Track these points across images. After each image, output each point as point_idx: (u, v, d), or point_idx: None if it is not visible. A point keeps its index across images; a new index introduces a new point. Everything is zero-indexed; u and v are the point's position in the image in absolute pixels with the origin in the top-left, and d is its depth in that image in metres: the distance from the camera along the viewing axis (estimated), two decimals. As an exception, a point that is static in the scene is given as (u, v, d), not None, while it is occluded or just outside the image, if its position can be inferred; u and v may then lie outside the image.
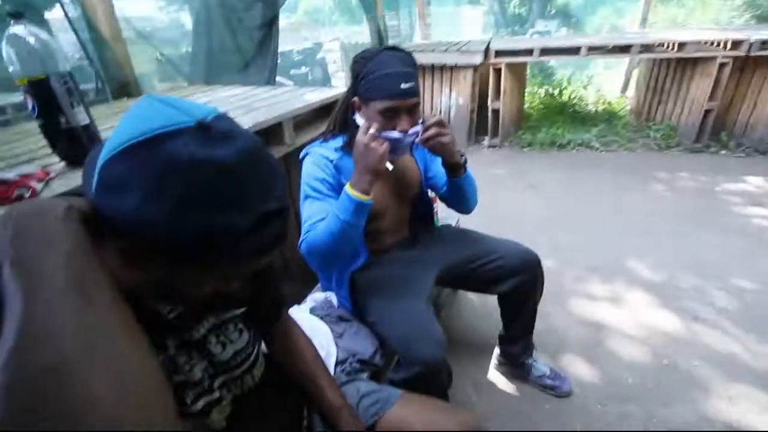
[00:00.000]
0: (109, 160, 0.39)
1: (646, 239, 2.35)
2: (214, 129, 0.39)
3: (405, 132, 1.03)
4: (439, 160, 1.21)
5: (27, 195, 0.85)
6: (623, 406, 1.38)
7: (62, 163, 1.03)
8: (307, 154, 1.16)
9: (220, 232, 0.39)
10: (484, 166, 3.57)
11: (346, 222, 0.98)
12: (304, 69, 9.62)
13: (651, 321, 1.76)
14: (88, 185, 0.42)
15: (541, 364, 1.48)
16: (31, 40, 0.89)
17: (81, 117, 0.99)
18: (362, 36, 4.64)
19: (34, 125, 1.04)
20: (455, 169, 1.17)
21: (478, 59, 3.74)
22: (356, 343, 1.15)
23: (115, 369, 0.31)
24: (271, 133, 1.46)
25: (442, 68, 3.94)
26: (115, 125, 1.45)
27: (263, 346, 0.79)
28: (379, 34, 4.33)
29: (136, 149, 0.37)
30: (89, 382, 0.29)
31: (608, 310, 1.85)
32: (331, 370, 1.07)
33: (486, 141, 4.14)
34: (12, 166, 1.04)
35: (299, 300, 1.35)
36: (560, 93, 4.86)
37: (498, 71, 3.77)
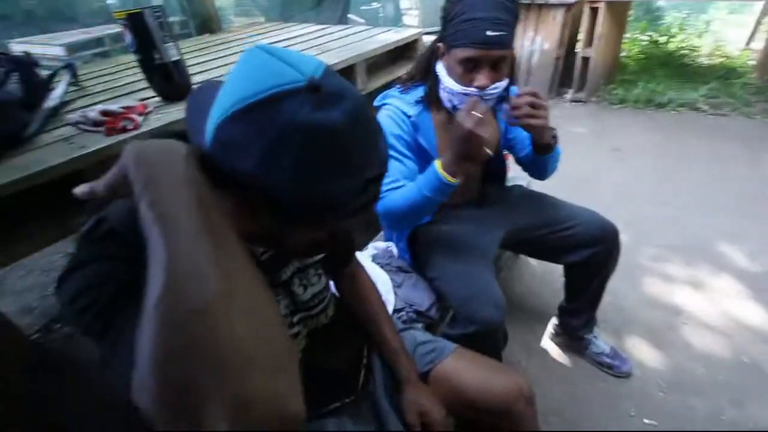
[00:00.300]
0: (224, 120, 0.39)
1: (746, 222, 2.06)
2: (324, 89, 0.38)
3: (482, 88, 0.92)
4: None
5: (130, 127, 0.92)
6: (688, 398, 1.31)
7: (157, 98, 1.09)
8: (384, 104, 1.10)
9: (333, 198, 0.41)
10: (564, 122, 3.26)
11: (429, 198, 0.94)
12: (375, 5, 9.14)
13: (736, 313, 1.59)
14: (198, 131, 0.43)
15: (601, 341, 1.43)
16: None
17: (172, 52, 1.02)
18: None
19: (129, 57, 1.10)
20: (544, 148, 1.06)
21: (573, -4, 3.27)
22: (414, 295, 1.18)
23: (249, 311, 0.33)
24: (342, 75, 1.42)
25: (529, 6, 3.51)
26: (201, 62, 1.49)
27: (333, 288, 0.84)
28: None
29: (251, 110, 0.37)
30: (232, 324, 0.30)
31: (687, 294, 1.69)
32: (387, 316, 1.11)
33: (569, 94, 3.75)
34: (114, 98, 1.13)
35: (360, 247, 1.39)
36: (667, 41, 4.18)
37: (594, 11, 3.29)
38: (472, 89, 0.93)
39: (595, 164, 2.71)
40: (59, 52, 3.81)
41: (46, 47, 3.94)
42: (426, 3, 8.08)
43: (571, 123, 3.31)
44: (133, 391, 0.30)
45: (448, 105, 1.02)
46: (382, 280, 1.18)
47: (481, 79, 0.92)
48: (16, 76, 0.90)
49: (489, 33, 0.87)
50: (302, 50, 1.55)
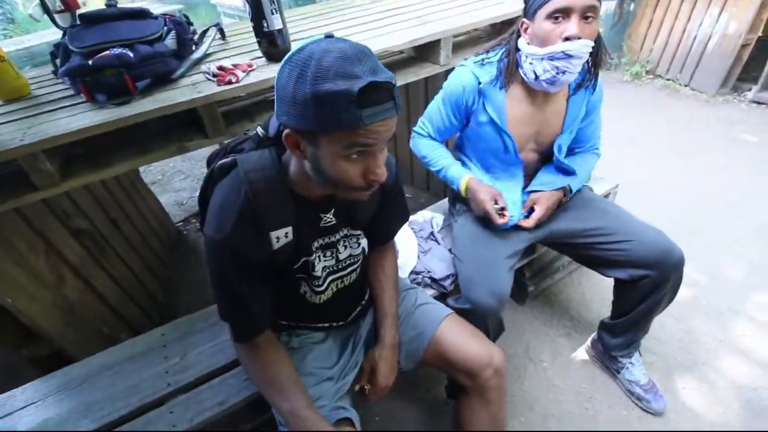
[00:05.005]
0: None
1: None
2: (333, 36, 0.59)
3: (573, 38, 0.90)
4: (590, 123, 1.18)
5: (234, 81, 1.19)
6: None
7: (263, 59, 1.35)
8: (463, 65, 1.15)
9: (334, 93, 0.53)
10: (730, 126, 2.67)
11: (444, 179, 1.23)
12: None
13: None
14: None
15: (639, 369, 1.31)
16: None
17: (277, 22, 1.25)
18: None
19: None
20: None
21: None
22: (435, 264, 1.28)
23: None
24: (427, 49, 1.46)
25: (721, -23, 2.84)
26: (301, 30, 1.70)
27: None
28: None
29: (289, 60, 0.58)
30: None
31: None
32: (405, 274, 1.24)
33: (751, 92, 2.99)
34: (237, 54, 1.43)
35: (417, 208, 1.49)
36: None
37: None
38: (560, 47, 0.92)
39: (755, 182, 2.19)
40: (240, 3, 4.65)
41: None
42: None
43: (740, 128, 2.67)
44: None
45: (530, 77, 1.03)
46: (410, 244, 1.30)
47: (571, 28, 0.90)
48: (173, 33, 1.25)
49: None
50: (402, 21, 1.62)
